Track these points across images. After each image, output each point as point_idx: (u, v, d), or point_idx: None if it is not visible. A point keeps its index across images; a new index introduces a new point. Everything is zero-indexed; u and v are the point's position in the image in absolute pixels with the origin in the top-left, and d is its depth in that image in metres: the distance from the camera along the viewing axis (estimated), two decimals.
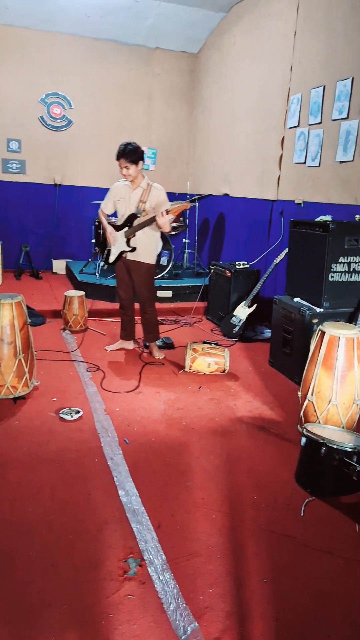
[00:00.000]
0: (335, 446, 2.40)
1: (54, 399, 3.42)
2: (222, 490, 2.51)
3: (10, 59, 6.85)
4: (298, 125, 4.79)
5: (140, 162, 3.83)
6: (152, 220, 3.79)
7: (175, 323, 5.46)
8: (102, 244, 4.19)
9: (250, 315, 4.94)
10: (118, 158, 3.77)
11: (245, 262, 5.33)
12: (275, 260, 4.75)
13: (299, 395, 3.11)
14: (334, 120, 4.23)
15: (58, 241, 7.56)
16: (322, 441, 2.43)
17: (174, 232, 6.51)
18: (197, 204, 6.51)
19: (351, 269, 3.73)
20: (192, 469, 2.67)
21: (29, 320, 3.37)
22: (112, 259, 4.13)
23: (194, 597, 1.84)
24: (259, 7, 5.55)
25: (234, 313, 5.02)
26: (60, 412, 3.19)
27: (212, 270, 5.59)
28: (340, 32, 4.13)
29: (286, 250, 4.44)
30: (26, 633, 1.67)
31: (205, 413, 3.35)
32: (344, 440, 2.52)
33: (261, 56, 5.50)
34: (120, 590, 1.86)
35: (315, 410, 2.94)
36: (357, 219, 3.84)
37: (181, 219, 6.46)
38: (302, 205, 4.76)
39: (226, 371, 4.01)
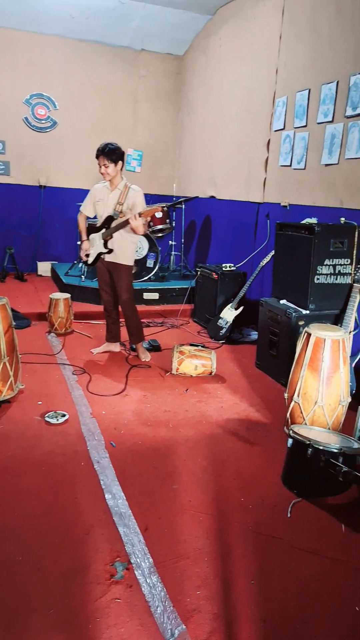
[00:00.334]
0: (321, 447, 2.41)
1: (40, 403, 3.39)
2: (209, 492, 2.50)
3: None
4: (284, 128, 4.82)
5: (120, 162, 3.85)
6: (126, 223, 3.79)
7: (162, 325, 5.45)
8: (80, 245, 4.20)
9: (236, 317, 4.95)
10: (97, 156, 3.80)
11: (232, 265, 5.34)
12: (261, 263, 4.77)
13: (285, 397, 3.12)
14: (319, 123, 4.26)
15: (43, 243, 7.51)
16: (308, 442, 2.44)
17: (160, 234, 6.50)
18: (183, 206, 6.52)
19: (336, 271, 3.76)
20: (179, 472, 2.67)
21: (14, 323, 3.34)
22: (90, 260, 4.12)
23: (181, 599, 1.84)
24: (244, 10, 5.58)
25: (221, 315, 5.03)
26: (46, 415, 3.17)
27: (198, 273, 5.60)
28: (325, 35, 4.16)
29: (272, 252, 4.46)
30: (12, 639, 1.65)
31: (192, 415, 3.34)
32: (330, 441, 2.54)
33: (247, 59, 5.53)
34: (107, 594, 1.84)
35: (301, 412, 2.95)
36: (342, 222, 3.88)
37: (167, 221, 6.46)
38: (288, 207, 4.79)
39: (213, 373, 4.01)
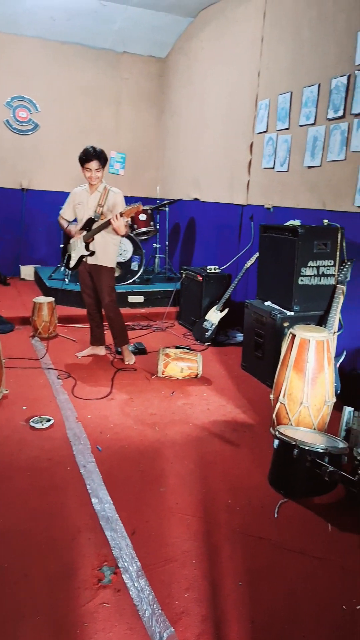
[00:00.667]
0: (307, 447, 2.43)
1: (24, 408, 3.35)
2: (196, 494, 2.50)
3: None
4: (266, 131, 4.86)
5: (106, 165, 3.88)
6: (108, 224, 3.78)
7: (148, 328, 5.44)
8: (65, 248, 4.16)
9: (222, 319, 4.97)
10: (89, 160, 3.75)
11: (217, 267, 5.36)
12: (246, 265, 4.79)
13: (271, 398, 3.13)
14: (301, 125, 4.31)
15: (26, 247, 7.45)
16: (294, 443, 2.46)
17: (144, 237, 6.50)
18: (167, 208, 6.52)
19: (320, 273, 3.80)
20: (166, 475, 2.66)
21: None
22: (72, 263, 4.09)
23: (169, 602, 1.83)
24: (225, 13, 5.61)
25: (206, 317, 5.04)
26: (31, 420, 3.14)
27: (183, 275, 5.60)
28: (306, 38, 4.21)
29: (257, 254, 4.49)
30: None
31: (178, 418, 3.34)
32: (316, 441, 2.56)
33: (229, 61, 5.56)
34: (95, 598, 1.83)
35: (287, 413, 2.97)
36: (325, 224, 3.92)
37: (151, 223, 6.46)
38: (271, 210, 4.82)
39: (199, 376, 4.02)
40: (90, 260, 4.01)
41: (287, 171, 4.55)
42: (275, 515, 2.37)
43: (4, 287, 6.85)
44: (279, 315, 3.79)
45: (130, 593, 1.86)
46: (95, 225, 3.91)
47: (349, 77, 3.70)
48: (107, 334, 4.44)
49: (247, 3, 5.12)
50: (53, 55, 7.03)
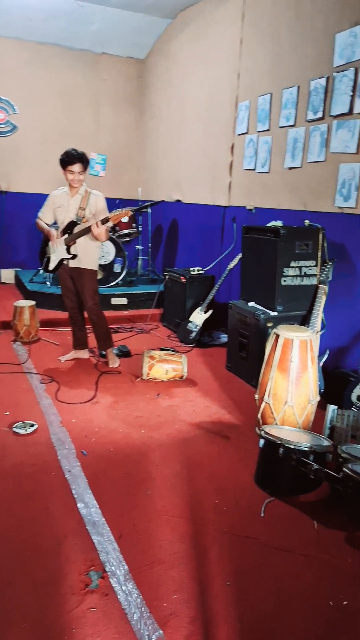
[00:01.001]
0: (292, 446, 2.45)
1: (7, 413, 3.31)
2: (183, 496, 2.50)
3: None
4: (247, 132, 4.89)
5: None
6: (89, 230, 3.75)
7: (131, 331, 5.42)
8: (42, 251, 4.11)
9: (206, 320, 4.98)
10: (72, 162, 3.72)
11: (200, 268, 5.37)
12: (229, 266, 4.81)
13: (256, 398, 3.15)
14: (281, 127, 4.34)
15: (6, 250, 7.36)
16: (279, 442, 2.47)
17: (127, 239, 6.48)
18: (149, 210, 6.51)
19: (302, 273, 3.83)
20: (152, 477, 2.65)
21: None
22: (51, 266, 4.05)
23: (157, 604, 1.82)
24: (204, 15, 5.63)
25: (190, 319, 5.04)
26: (14, 426, 3.10)
27: (167, 277, 5.60)
28: (285, 40, 4.24)
29: (239, 255, 4.51)
30: None
31: (164, 420, 3.33)
32: (301, 440, 2.58)
33: (209, 63, 5.58)
34: (83, 603, 1.81)
35: (272, 412, 2.98)
36: (306, 224, 3.95)
37: (134, 225, 6.45)
38: (253, 211, 4.85)
39: (184, 377, 4.02)
40: (72, 264, 3.98)
41: (268, 172, 4.59)
42: (262, 515, 2.38)
43: None
44: (262, 315, 3.81)
45: (118, 597, 1.85)
46: (76, 229, 3.88)
47: (327, 79, 3.74)
48: (90, 337, 4.41)
49: (226, 4, 5.15)
50: (30, 56, 6.96)
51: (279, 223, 4.12)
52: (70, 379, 3.96)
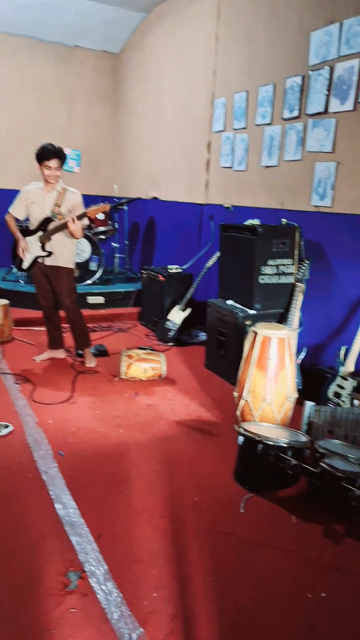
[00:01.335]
0: (270, 443, 2.46)
1: None
2: (162, 495, 2.49)
3: None
4: (224, 130, 4.90)
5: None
6: (65, 226, 3.71)
7: (109, 330, 5.39)
8: (14, 249, 4.03)
9: (184, 319, 4.98)
10: (50, 158, 3.66)
11: (178, 266, 5.36)
12: (207, 264, 4.82)
13: (235, 396, 3.16)
14: (257, 125, 4.36)
15: None
16: (258, 439, 2.49)
17: (102, 237, 6.43)
18: (125, 207, 6.48)
19: (280, 271, 3.86)
20: (131, 477, 2.64)
21: None
22: (25, 265, 3.99)
23: (138, 603, 1.82)
24: (179, 10, 5.62)
25: (169, 317, 5.03)
26: None
27: (144, 275, 5.58)
28: (260, 37, 4.26)
29: (217, 253, 4.52)
30: None
31: (142, 419, 3.32)
32: (279, 436, 2.59)
33: (184, 59, 5.57)
34: (62, 604, 1.79)
35: (251, 409, 3.00)
36: (283, 223, 3.98)
37: (110, 222, 6.40)
38: (231, 209, 4.86)
39: (163, 376, 4.01)
40: (48, 262, 3.93)
41: (245, 170, 4.61)
42: (242, 511, 2.39)
43: None
44: (240, 313, 3.82)
45: (98, 597, 1.84)
46: (52, 226, 3.83)
47: (303, 77, 3.78)
48: (67, 336, 4.36)
49: (202, 1, 5.14)
50: (0, 47, 6.81)
51: (256, 221, 4.15)
52: (46, 379, 3.91)
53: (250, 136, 4.49)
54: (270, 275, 3.83)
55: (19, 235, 3.91)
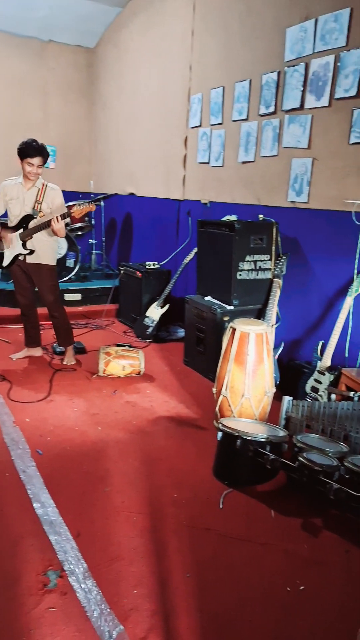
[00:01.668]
0: (249, 438, 2.48)
1: None
2: (142, 492, 2.49)
3: None
4: (200, 125, 4.89)
5: None
6: (48, 224, 3.67)
7: (86, 327, 5.34)
8: None
9: (163, 315, 4.96)
10: (32, 155, 3.60)
11: (156, 263, 5.35)
12: (185, 260, 4.81)
13: (214, 392, 3.17)
14: (234, 121, 4.36)
15: None
16: (237, 434, 2.50)
17: (79, 233, 6.37)
18: (102, 203, 6.42)
19: (257, 267, 3.87)
20: (110, 474, 2.62)
21: None
22: (5, 262, 3.92)
23: (117, 600, 1.81)
24: (154, 5, 5.58)
25: (147, 314, 5.02)
26: None
27: (122, 272, 5.55)
28: (236, 33, 4.26)
29: (195, 249, 4.52)
30: None
31: (121, 417, 3.30)
32: (258, 431, 2.61)
33: (160, 54, 5.54)
34: (41, 604, 1.78)
35: (229, 405, 3.01)
36: (260, 219, 4.00)
37: (86, 219, 6.34)
38: (208, 205, 4.86)
39: (141, 373, 3.99)
40: (29, 259, 3.87)
41: (222, 166, 4.61)
42: (221, 506, 2.40)
43: None
44: (219, 309, 3.83)
45: (78, 595, 1.82)
46: (33, 223, 3.77)
47: (278, 73, 3.79)
48: (43, 334, 4.31)
49: None
50: None
51: (233, 217, 4.15)
52: (23, 377, 3.86)
53: (227, 132, 4.49)
54: (247, 271, 3.84)
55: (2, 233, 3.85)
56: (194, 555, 2.07)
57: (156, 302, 5.01)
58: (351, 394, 2.88)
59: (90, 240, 6.73)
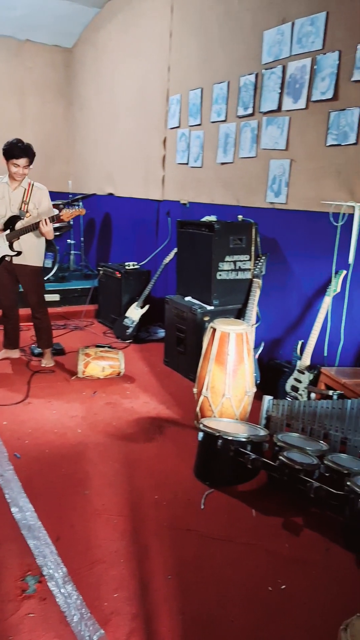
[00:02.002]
0: (230, 437, 2.48)
1: None
2: (122, 494, 2.46)
3: None
4: (179, 126, 4.89)
5: None
6: (36, 227, 3.63)
7: (65, 328, 5.29)
8: None
9: (143, 316, 4.94)
10: (18, 157, 3.54)
11: (135, 263, 5.32)
12: (164, 261, 4.80)
13: (195, 392, 3.16)
14: (212, 122, 4.37)
15: None
16: (217, 434, 2.49)
17: (57, 233, 6.29)
18: (80, 203, 6.36)
19: (237, 267, 3.88)
20: (90, 477, 2.60)
21: None
22: None
23: (98, 604, 1.79)
24: (132, 5, 5.56)
25: (127, 314, 4.99)
26: None
27: (101, 272, 5.51)
28: (214, 35, 4.27)
29: (175, 250, 4.51)
30: None
31: (101, 418, 3.28)
32: (239, 431, 2.61)
33: (138, 55, 5.52)
34: (20, 610, 1.74)
35: (210, 405, 3.01)
36: (239, 219, 4.01)
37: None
38: (187, 205, 4.86)
39: (121, 374, 3.96)
40: (16, 260, 3.80)
41: (201, 167, 4.61)
42: (202, 507, 2.40)
43: None
44: (199, 309, 3.83)
45: (57, 600, 1.79)
46: (19, 224, 3.72)
47: (256, 75, 3.81)
48: (21, 336, 4.25)
49: None
50: None
51: (213, 218, 4.16)
52: (0, 379, 3.80)
53: (206, 133, 4.50)
54: (227, 271, 3.85)
55: None
56: (175, 556, 2.06)
57: (136, 303, 4.98)
58: (330, 392, 2.90)
59: (68, 241, 6.68)
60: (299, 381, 3.30)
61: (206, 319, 3.80)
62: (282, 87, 3.58)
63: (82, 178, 7.27)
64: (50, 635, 1.66)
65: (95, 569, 1.96)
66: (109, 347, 4.10)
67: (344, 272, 3.24)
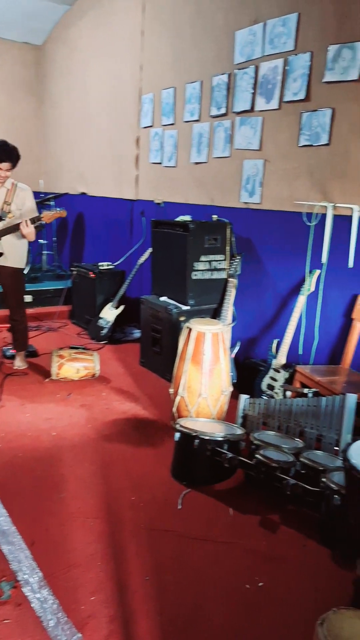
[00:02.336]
0: (207, 437, 2.47)
1: None
2: (98, 496, 2.44)
3: None
4: (152, 125, 4.87)
5: None
6: (17, 228, 3.56)
7: (38, 329, 5.21)
8: None
9: (118, 316, 4.91)
10: (3, 160, 3.47)
11: (110, 263, 5.28)
12: (139, 261, 4.78)
13: (171, 392, 3.15)
14: (186, 121, 4.37)
15: None
16: (194, 434, 2.49)
17: None
18: (52, 203, 6.28)
19: (212, 267, 3.89)
20: (65, 480, 2.56)
21: None
22: None
23: (75, 608, 1.76)
24: (103, 3, 5.52)
25: (101, 315, 4.95)
26: None
27: (74, 272, 5.45)
28: (187, 35, 4.27)
29: (150, 250, 4.49)
30: None
31: (76, 420, 3.23)
32: (215, 430, 2.61)
33: (110, 53, 5.48)
34: None
35: (187, 405, 3.00)
36: (214, 219, 4.02)
37: None
38: (162, 205, 4.85)
39: (97, 375, 3.92)
40: None
41: (175, 167, 4.61)
42: (179, 507, 2.39)
43: None
44: (174, 310, 3.82)
45: (33, 605, 1.76)
46: (1, 225, 3.64)
47: (229, 75, 3.83)
48: None
49: None
50: None
51: (187, 217, 4.16)
52: None
53: (179, 132, 4.49)
54: (202, 271, 3.85)
55: None
56: (152, 557, 2.04)
57: (111, 303, 4.95)
58: (305, 390, 2.93)
59: (40, 241, 6.58)
60: (275, 380, 3.32)
61: (182, 319, 3.79)
62: (254, 88, 3.60)
63: (54, 177, 7.18)
64: None
65: (72, 573, 1.93)
66: (83, 349, 4.06)
67: (318, 271, 3.28)
